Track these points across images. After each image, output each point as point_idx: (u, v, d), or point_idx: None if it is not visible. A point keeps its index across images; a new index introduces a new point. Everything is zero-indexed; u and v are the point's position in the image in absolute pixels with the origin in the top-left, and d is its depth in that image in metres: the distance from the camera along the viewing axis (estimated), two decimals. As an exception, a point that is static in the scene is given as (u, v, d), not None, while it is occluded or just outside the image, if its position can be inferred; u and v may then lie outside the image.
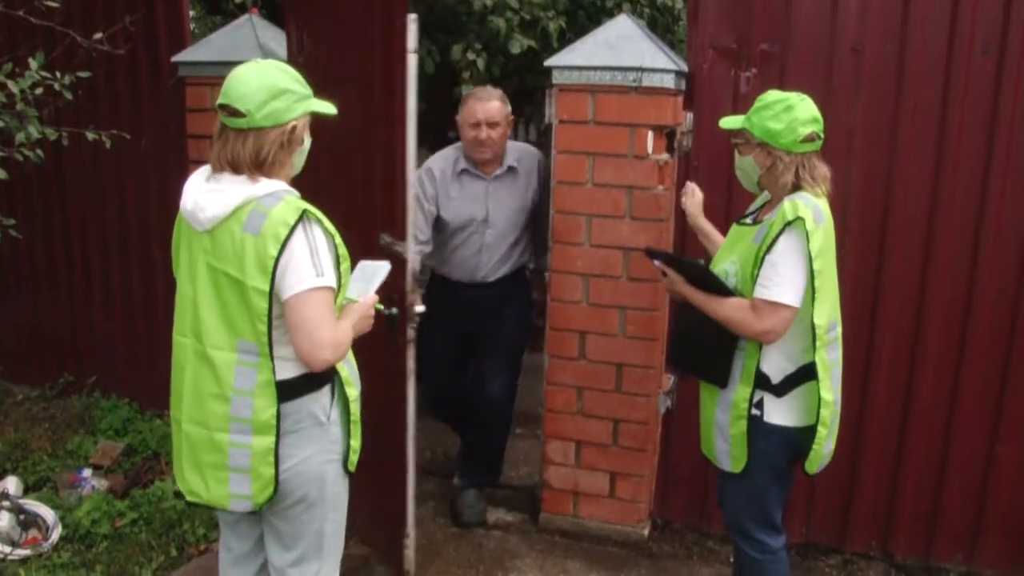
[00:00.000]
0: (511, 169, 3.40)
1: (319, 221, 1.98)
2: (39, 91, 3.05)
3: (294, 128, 1.99)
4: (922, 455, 3.16)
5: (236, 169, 1.96)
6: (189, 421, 2.04)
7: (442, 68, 5.40)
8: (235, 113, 1.92)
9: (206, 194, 1.97)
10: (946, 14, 2.89)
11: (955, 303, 3.05)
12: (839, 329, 2.39)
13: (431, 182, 3.38)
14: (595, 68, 3.08)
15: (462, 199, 3.38)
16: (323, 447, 2.09)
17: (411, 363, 2.76)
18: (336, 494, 2.17)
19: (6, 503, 3.26)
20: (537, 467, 3.69)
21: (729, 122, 2.44)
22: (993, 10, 2.85)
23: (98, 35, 3.31)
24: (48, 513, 3.29)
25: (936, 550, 3.22)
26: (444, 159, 3.43)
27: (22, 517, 3.24)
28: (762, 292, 2.25)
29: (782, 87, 2.43)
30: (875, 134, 3.01)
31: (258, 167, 1.96)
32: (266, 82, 1.94)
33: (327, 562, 2.21)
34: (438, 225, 3.41)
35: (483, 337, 3.53)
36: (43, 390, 4.49)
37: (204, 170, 2.04)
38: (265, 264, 1.90)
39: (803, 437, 2.34)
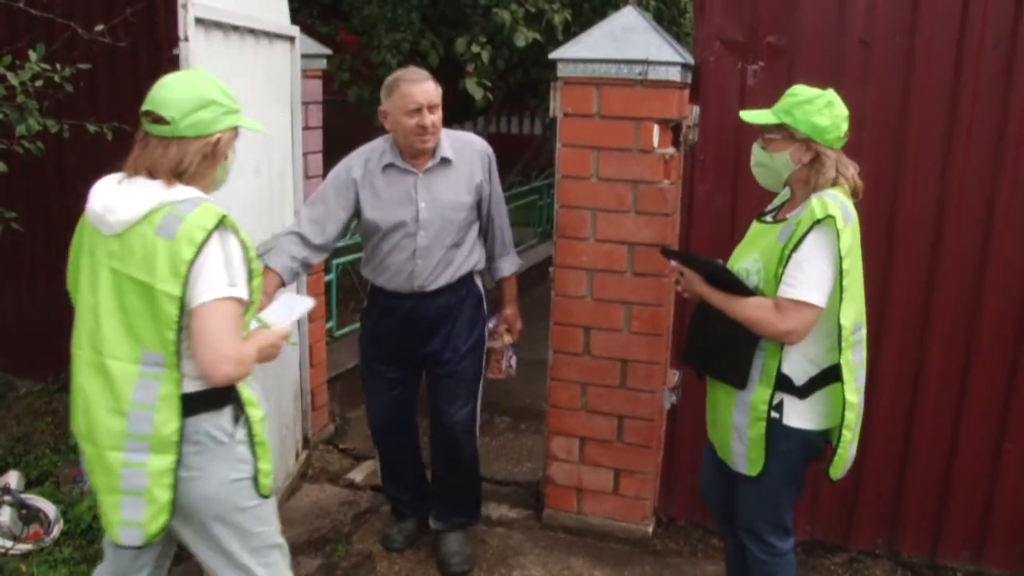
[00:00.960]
0: (445, 161, 2.96)
1: (236, 231, 1.93)
2: (39, 83, 3.04)
3: (218, 141, 1.97)
4: (928, 453, 3.14)
5: (153, 176, 1.92)
6: (83, 439, 1.94)
7: (446, 61, 5.38)
8: (159, 120, 1.90)
9: (118, 196, 1.92)
10: (956, 7, 2.85)
11: (962, 301, 3.01)
12: (864, 330, 2.33)
13: (349, 183, 2.97)
14: (600, 61, 3.04)
15: (389, 197, 2.95)
16: (229, 465, 2.00)
17: None
18: (253, 509, 2.07)
19: (8, 497, 3.25)
20: (541, 463, 3.68)
21: (757, 116, 2.32)
22: (1004, 3, 2.81)
23: (99, 27, 3.30)
24: (50, 508, 3.28)
25: (942, 548, 3.20)
26: (371, 151, 3.00)
27: (24, 512, 3.23)
28: (787, 291, 2.19)
29: (790, 80, 2.39)
30: (883, 129, 2.97)
31: (177, 176, 1.93)
32: (194, 92, 1.93)
33: None
34: (368, 228, 3.01)
35: (433, 355, 3.09)
36: (46, 384, 4.47)
37: (115, 176, 1.99)
38: (178, 268, 1.84)
39: (821, 440, 2.31)
